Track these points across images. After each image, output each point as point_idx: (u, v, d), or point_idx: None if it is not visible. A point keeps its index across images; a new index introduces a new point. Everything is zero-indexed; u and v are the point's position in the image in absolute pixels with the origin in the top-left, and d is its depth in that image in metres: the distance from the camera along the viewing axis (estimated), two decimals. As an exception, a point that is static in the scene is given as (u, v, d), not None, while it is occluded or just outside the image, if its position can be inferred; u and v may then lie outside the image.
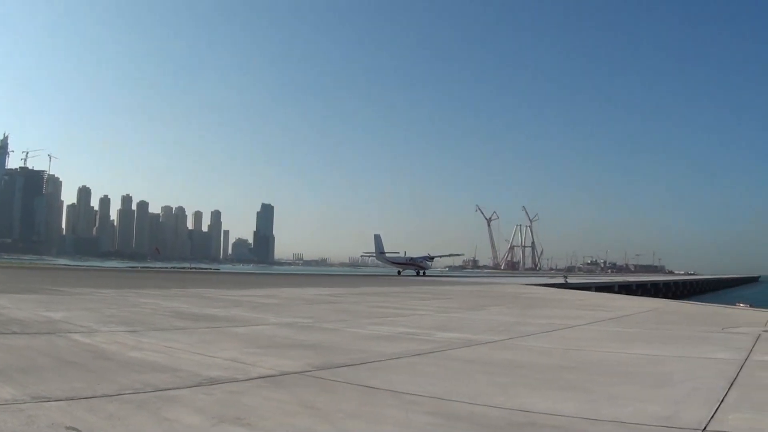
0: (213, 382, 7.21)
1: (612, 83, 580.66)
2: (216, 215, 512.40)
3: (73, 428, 5.14)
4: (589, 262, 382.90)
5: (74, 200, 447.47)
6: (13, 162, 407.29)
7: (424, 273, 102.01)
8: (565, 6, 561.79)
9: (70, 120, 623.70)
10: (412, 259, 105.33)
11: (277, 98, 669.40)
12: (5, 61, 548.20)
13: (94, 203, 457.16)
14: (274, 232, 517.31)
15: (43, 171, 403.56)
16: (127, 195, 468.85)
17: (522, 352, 10.97)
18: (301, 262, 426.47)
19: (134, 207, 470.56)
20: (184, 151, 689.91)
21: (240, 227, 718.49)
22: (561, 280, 66.54)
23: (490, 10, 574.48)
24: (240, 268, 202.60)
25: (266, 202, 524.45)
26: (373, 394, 6.87)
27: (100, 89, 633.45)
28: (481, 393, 7.01)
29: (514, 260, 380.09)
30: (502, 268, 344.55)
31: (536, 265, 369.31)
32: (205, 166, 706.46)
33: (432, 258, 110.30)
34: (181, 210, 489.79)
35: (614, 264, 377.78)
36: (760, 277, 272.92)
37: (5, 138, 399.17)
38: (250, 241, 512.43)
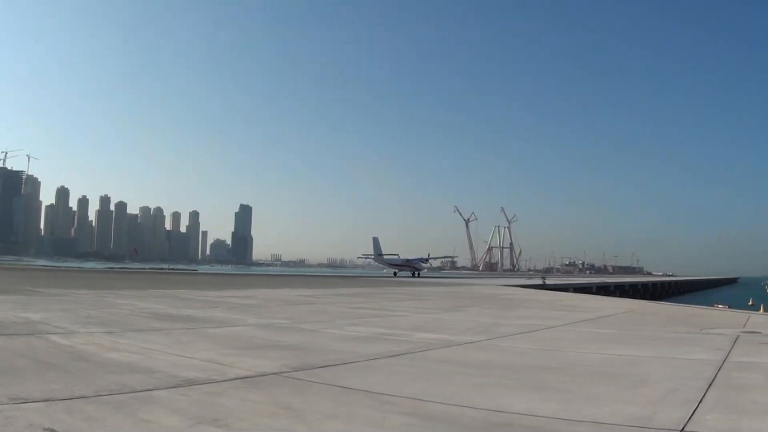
0: (190, 383, 7.19)
1: (590, 84, 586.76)
2: (194, 216, 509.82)
3: (51, 429, 5.13)
4: (567, 263, 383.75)
5: (53, 201, 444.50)
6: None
7: (419, 274, 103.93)
8: (539, 7, 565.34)
9: (49, 120, 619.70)
10: (408, 260, 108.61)
11: (255, 99, 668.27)
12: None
13: (73, 204, 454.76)
14: (252, 232, 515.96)
15: (22, 171, 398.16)
16: (106, 195, 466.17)
17: (499, 352, 11.02)
18: (279, 263, 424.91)
19: (112, 207, 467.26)
20: (162, 151, 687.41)
21: (218, 228, 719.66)
22: (539, 281, 66.69)
23: (467, 10, 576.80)
24: (218, 268, 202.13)
25: (244, 202, 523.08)
26: (350, 395, 6.88)
27: (79, 90, 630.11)
28: (458, 393, 7.04)
29: (493, 261, 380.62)
30: (480, 269, 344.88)
31: (515, 267, 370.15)
32: (183, 166, 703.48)
33: (427, 260, 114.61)
34: (159, 210, 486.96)
35: (592, 265, 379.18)
36: (739, 278, 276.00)
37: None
38: (229, 241, 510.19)
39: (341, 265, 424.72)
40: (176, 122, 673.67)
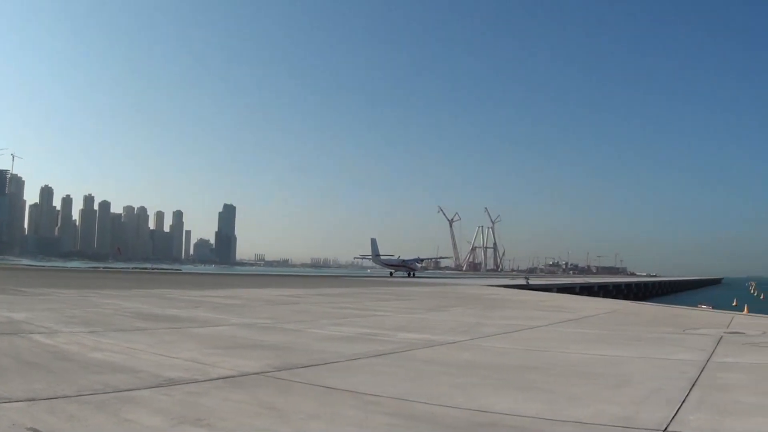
0: (173, 383, 7.17)
1: (574, 85, 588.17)
2: (178, 215, 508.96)
3: (34, 429, 5.12)
4: (551, 263, 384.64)
5: (37, 200, 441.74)
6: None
7: (413, 274, 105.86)
8: (524, 8, 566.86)
9: (34, 120, 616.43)
10: (403, 261, 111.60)
11: (240, 99, 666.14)
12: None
13: (57, 203, 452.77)
14: (236, 232, 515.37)
15: (6, 170, 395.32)
16: (89, 195, 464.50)
17: (483, 352, 11.05)
18: (262, 262, 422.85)
19: (96, 207, 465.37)
20: (146, 151, 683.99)
21: (202, 227, 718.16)
22: (522, 281, 66.95)
23: (455, 13, 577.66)
24: (202, 268, 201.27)
25: (228, 202, 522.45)
26: (333, 395, 6.87)
27: (64, 89, 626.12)
28: (442, 393, 7.05)
29: (476, 261, 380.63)
30: (464, 269, 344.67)
31: (498, 267, 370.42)
32: (167, 166, 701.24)
33: (422, 260, 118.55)
34: (143, 210, 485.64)
35: (576, 265, 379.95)
36: (723, 279, 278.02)
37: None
38: (212, 241, 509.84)
39: (325, 264, 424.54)
40: (161, 122, 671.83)
